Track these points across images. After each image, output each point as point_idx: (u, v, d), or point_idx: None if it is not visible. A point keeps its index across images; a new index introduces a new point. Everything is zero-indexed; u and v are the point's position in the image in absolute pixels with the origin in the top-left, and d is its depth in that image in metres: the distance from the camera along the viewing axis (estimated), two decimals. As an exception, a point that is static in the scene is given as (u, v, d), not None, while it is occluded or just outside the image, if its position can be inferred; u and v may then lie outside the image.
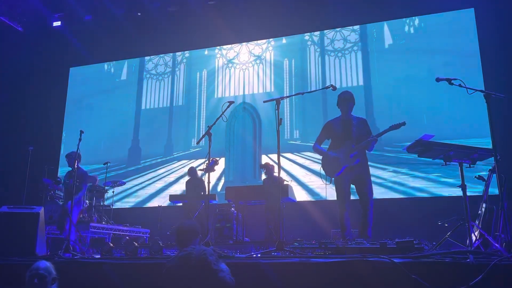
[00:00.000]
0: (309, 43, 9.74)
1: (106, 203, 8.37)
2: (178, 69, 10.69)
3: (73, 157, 6.62)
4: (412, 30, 8.97)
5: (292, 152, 9.13)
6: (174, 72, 10.69)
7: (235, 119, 9.89)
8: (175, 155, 9.99)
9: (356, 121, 5.02)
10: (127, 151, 10.45)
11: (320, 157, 5.12)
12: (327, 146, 5.15)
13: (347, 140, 4.89)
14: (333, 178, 4.92)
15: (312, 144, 5.24)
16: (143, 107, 10.71)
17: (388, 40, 9.06)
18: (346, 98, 5.06)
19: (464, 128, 7.78)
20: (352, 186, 4.98)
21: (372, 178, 5.14)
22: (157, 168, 10.06)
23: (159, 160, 10.14)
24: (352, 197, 4.97)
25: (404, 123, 4.66)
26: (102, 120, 10.82)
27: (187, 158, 9.82)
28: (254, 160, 9.47)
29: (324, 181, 4.96)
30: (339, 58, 9.36)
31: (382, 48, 9.07)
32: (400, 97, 8.59)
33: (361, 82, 9.01)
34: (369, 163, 5.04)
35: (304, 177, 8.78)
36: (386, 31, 9.12)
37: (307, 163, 8.88)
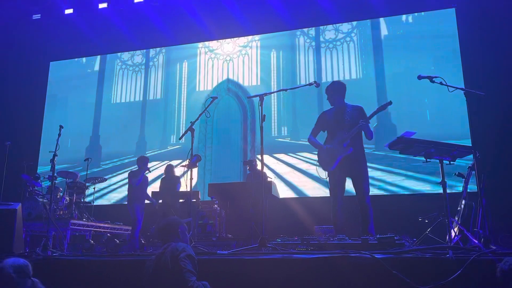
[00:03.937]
0: (298, 33, 9.30)
1: (87, 199, 8.24)
2: (156, 59, 10.04)
3: (143, 162, 7.40)
4: (410, 19, 8.57)
5: (286, 153, 8.52)
6: (152, 63, 10.01)
7: (215, 106, 8.57)
8: (148, 154, 9.07)
9: (350, 109, 4.83)
10: (85, 150, 9.58)
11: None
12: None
13: (340, 129, 4.73)
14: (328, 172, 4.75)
15: (306, 140, 5.06)
16: (113, 101, 9.95)
17: (383, 30, 8.68)
18: (333, 89, 4.92)
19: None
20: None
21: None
22: (125, 170, 9.01)
23: (126, 160, 9.28)
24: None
25: (390, 102, 4.52)
26: (70, 114, 10.18)
27: (162, 157, 9.05)
28: (242, 163, 8.20)
29: (322, 176, 4.75)
30: (330, 50, 8.93)
31: (377, 39, 8.66)
32: (402, 91, 8.07)
33: (354, 75, 8.60)
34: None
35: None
36: (381, 20, 8.73)
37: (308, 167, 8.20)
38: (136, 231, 7.13)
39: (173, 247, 2.90)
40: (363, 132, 4.74)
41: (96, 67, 10.50)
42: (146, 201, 7.56)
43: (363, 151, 4.79)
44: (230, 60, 9.60)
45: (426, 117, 8.01)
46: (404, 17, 8.68)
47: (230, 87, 9.23)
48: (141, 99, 9.87)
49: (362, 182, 4.67)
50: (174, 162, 8.53)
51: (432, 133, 7.27)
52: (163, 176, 7.87)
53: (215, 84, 9.49)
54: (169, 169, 7.88)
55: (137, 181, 7.27)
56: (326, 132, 4.98)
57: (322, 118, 5.02)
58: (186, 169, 7.51)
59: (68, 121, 9.85)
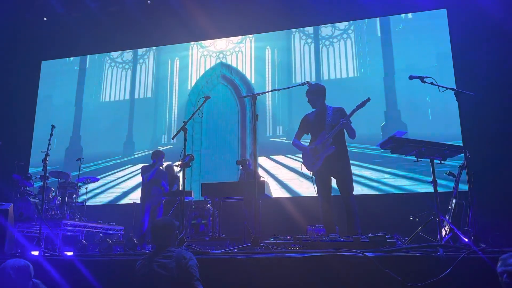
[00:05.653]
0: (293, 29, 9.13)
1: (79, 199, 8.19)
2: (147, 56, 9.75)
3: (158, 156, 7.15)
4: (410, 15, 8.39)
5: (285, 155, 8.20)
6: (142, 60, 9.74)
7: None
8: (137, 155, 8.68)
9: (331, 111, 4.92)
10: (64, 151, 9.17)
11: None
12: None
13: (322, 130, 4.82)
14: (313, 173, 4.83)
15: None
16: (102, 99, 9.62)
17: (380, 27, 8.51)
18: (313, 92, 4.98)
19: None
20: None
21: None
22: (111, 173, 8.74)
23: (111, 162, 8.90)
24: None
25: (368, 99, 4.56)
26: (57, 113, 9.89)
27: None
28: (236, 163, 7.49)
29: (307, 177, 4.83)
30: (326, 47, 8.76)
31: (375, 35, 8.50)
32: (401, 89, 7.88)
33: (351, 73, 8.44)
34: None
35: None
36: (380, 18, 8.56)
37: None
38: (140, 233, 6.86)
39: (178, 253, 2.93)
40: (346, 132, 4.82)
41: (83, 65, 10.24)
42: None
43: (345, 150, 4.87)
44: (224, 57, 9.40)
45: (428, 117, 7.91)
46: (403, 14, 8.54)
47: (225, 74, 8.91)
48: (129, 97, 9.60)
49: (345, 181, 4.75)
50: (165, 163, 8.33)
51: (434, 133, 7.27)
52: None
53: (208, 82, 9.17)
54: (170, 168, 7.83)
55: (148, 176, 7.00)
56: (310, 134, 5.05)
57: (304, 121, 5.10)
58: (179, 168, 7.51)
59: (54, 121, 9.66)
